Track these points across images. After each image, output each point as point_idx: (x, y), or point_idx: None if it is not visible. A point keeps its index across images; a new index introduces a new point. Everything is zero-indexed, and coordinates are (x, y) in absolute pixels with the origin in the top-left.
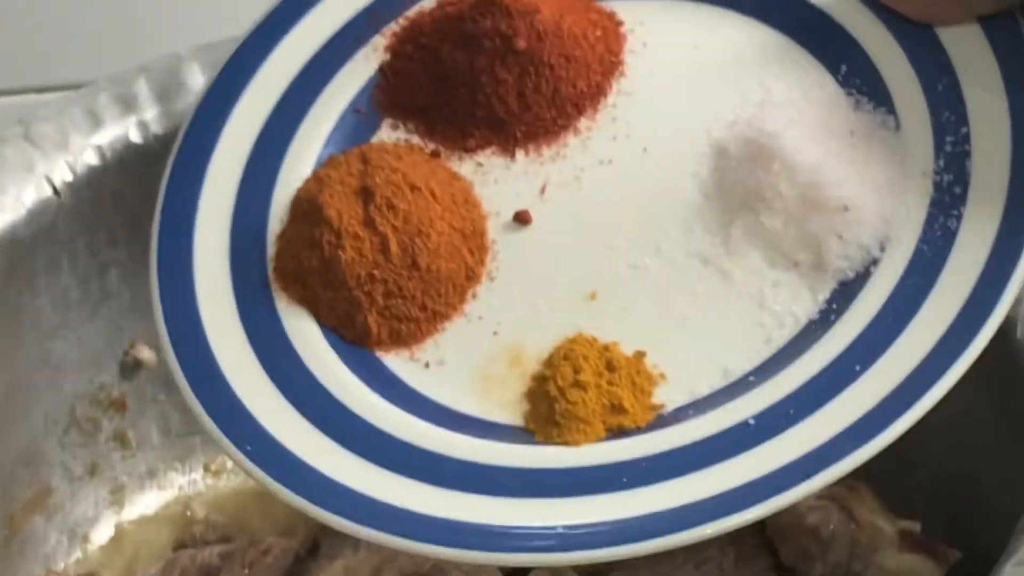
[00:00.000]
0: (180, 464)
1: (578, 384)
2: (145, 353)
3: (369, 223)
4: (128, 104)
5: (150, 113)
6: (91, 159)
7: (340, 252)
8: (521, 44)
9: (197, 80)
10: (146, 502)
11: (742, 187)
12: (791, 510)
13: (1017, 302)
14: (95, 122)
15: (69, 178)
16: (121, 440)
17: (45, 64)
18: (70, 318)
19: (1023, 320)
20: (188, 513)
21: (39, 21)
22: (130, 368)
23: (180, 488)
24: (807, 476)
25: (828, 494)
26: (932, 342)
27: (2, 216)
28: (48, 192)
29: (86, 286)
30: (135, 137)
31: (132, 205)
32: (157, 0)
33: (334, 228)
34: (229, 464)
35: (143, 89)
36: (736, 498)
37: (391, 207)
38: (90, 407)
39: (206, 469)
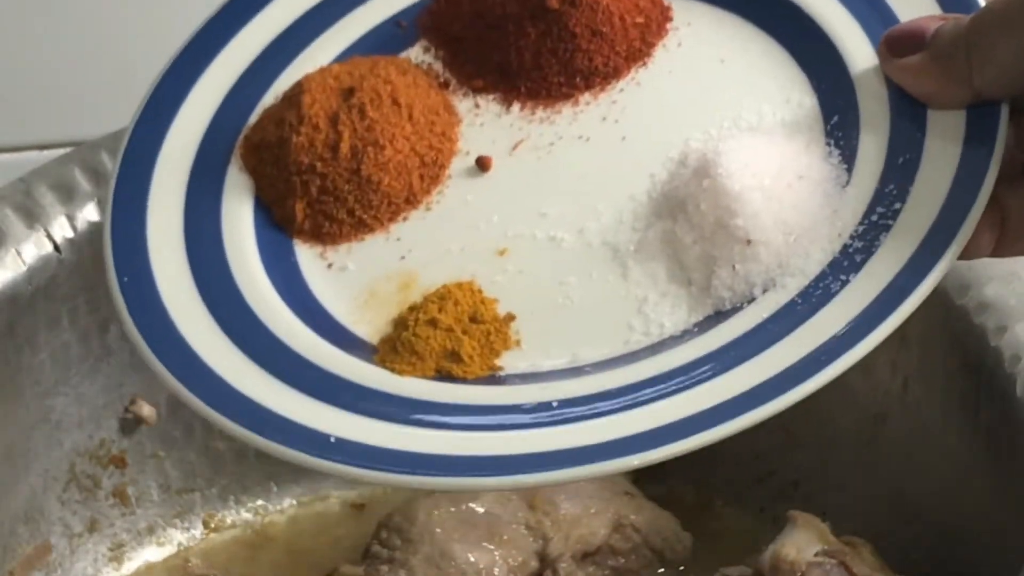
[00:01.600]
0: (179, 520)
1: (432, 322)
2: (145, 410)
3: (334, 119)
4: None
5: None
6: (92, 215)
7: (294, 135)
8: (552, 3)
9: None
10: (145, 559)
11: (675, 195)
12: (789, 566)
13: (1017, 360)
14: (96, 179)
15: (70, 234)
16: (121, 497)
17: (46, 122)
18: (70, 375)
19: (1023, 377)
20: (188, 566)
21: (40, 79)
22: (130, 425)
23: (179, 544)
24: (567, 465)
25: (828, 551)
26: (744, 388)
27: (3, 272)
28: (49, 248)
29: (86, 342)
30: None
31: None
32: (157, 58)
33: (301, 112)
34: (229, 520)
35: None
36: (502, 463)
37: (361, 111)
38: (90, 464)
39: (205, 525)
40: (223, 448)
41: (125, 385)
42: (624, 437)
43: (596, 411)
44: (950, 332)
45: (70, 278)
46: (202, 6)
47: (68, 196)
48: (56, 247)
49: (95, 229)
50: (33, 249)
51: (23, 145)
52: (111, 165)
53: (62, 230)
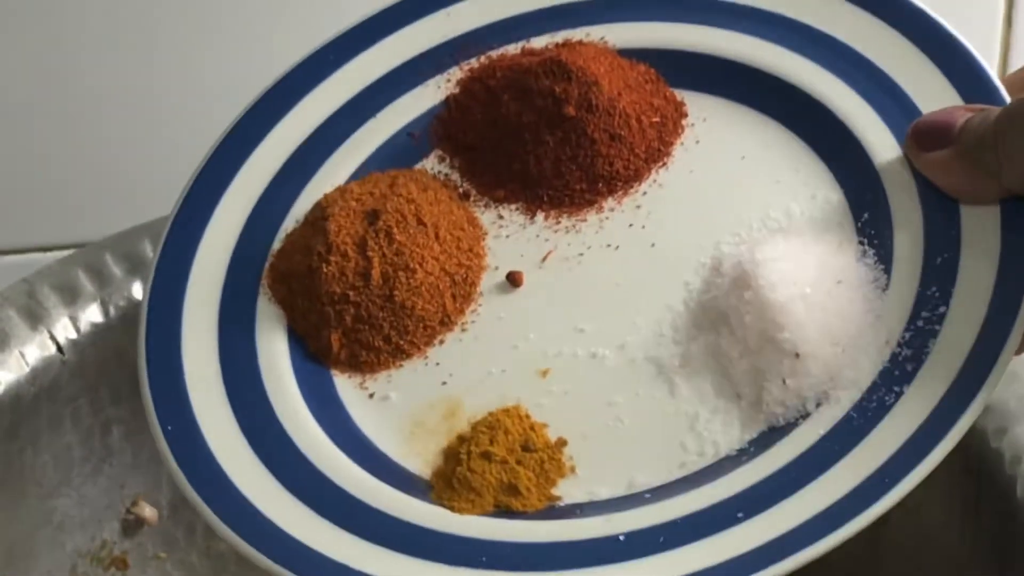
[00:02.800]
0: None
1: (486, 455)
2: (147, 511)
3: (362, 245)
4: (132, 262)
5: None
6: (95, 317)
7: (324, 265)
8: (570, 111)
9: None
10: None
11: (716, 306)
12: None
13: (1017, 461)
14: (99, 280)
15: (73, 335)
16: None
17: (49, 224)
18: (72, 476)
19: (1023, 479)
20: None
21: (43, 182)
22: (132, 526)
23: None
24: None
25: None
26: (816, 510)
27: (6, 374)
28: (52, 350)
29: (89, 444)
30: (139, 295)
31: (135, 363)
32: (159, 161)
33: (328, 241)
34: None
35: (147, 248)
36: None
37: (388, 235)
38: (91, 565)
39: None
40: (225, 550)
41: (127, 486)
42: (697, 572)
43: (664, 544)
44: None
45: (73, 379)
46: (197, 106)
47: (71, 297)
48: (59, 348)
49: (98, 330)
50: (36, 350)
51: (26, 247)
52: (114, 266)
53: (65, 331)
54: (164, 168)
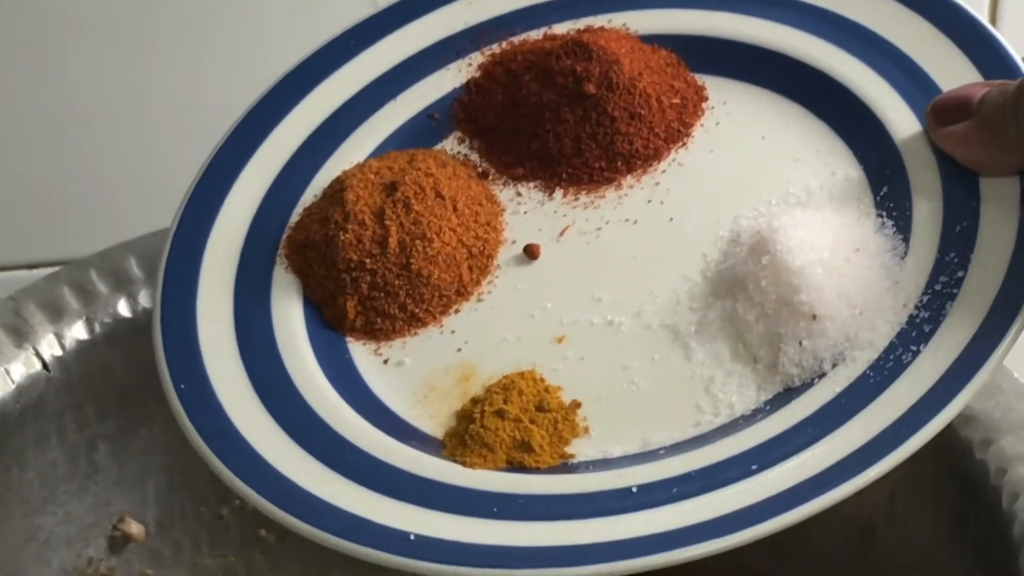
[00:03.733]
0: None
1: (500, 413)
2: (133, 527)
3: (380, 215)
4: (118, 279)
5: (140, 288)
6: (80, 334)
7: (341, 233)
8: (590, 89)
9: None
10: None
11: (733, 273)
12: None
13: (1003, 473)
14: (85, 297)
15: (59, 352)
16: None
17: (35, 241)
18: (58, 493)
19: (1009, 491)
20: None
21: (28, 199)
22: (118, 543)
23: None
24: (659, 550)
25: None
26: (827, 464)
27: None
28: (37, 367)
29: (74, 460)
30: (124, 311)
31: (121, 379)
32: (145, 178)
33: (345, 210)
34: None
35: (132, 265)
36: (589, 552)
37: (406, 205)
38: None
39: None
40: (212, 565)
41: (113, 503)
42: (710, 520)
43: (678, 495)
44: (935, 445)
45: (58, 396)
46: (184, 125)
47: (57, 315)
48: (45, 365)
49: (83, 347)
50: (22, 368)
51: (12, 264)
52: (100, 283)
53: (51, 348)
54: (149, 186)
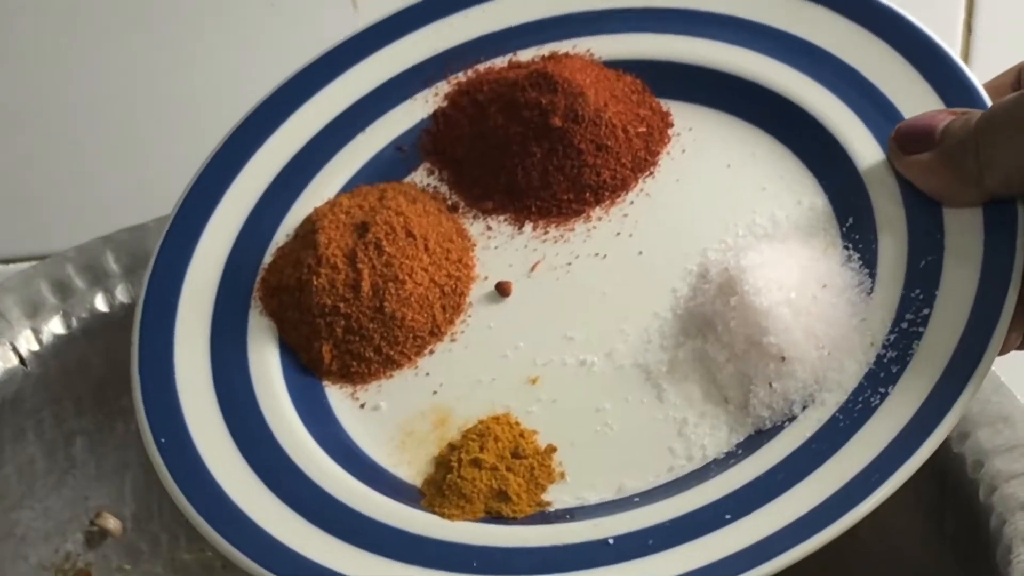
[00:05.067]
0: None
1: (476, 462)
2: (111, 523)
3: (352, 257)
4: (95, 274)
5: (117, 283)
6: (58, 328)
7: (314, 278)
8: (556, 122)
9: None
10: None
11: (702, 312)
12: None
13: (979, 465)
14: (62, 292)
15: (36, 348)
16: None
17: (11, 236)
18: (36, 488)
19: (986, 484)
20: None
21: (4, 194)
22: (96, 538)
23: None
24: None
25: None
26: (803, 511)
27: None
28: (14, 362)
29: (52, 456)
30: (102, 307)
31: (98, 374)
32: (122, 173)
33: (318, 253)
34: None
35: (109, 260)
36: None
37: (378, 247)
38: None
39: None
40: (189, 560)
41: (90, 498)
42: (686, 573)
43: (653, 546)
44: None
45: (36, 392)
46: (158, 119)
47: (34, 310)
48: (22, 360)
49: (61, 343)
50: None
51: None
52: (77, 278)
53: (28, 343)
54: (126, 180)
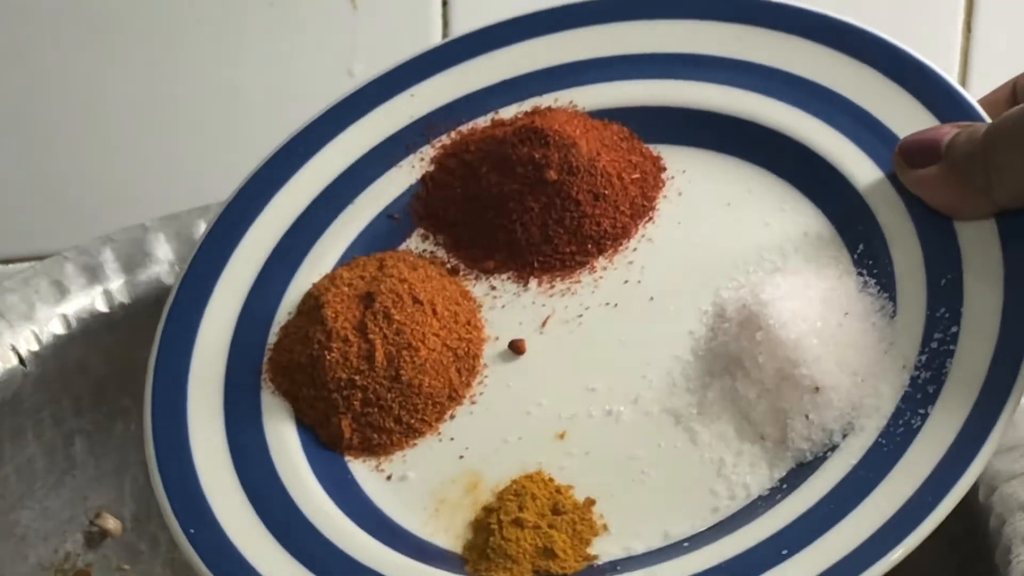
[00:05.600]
0: None
1: (518, 522)
2: (110, 523)
3: (362, 328)
4: (94, 274)
5: (116, 283)
6: (57, 329)
7: (326, 352)
8: (551, 175)
9: (162, 250)
10: None
11: (727, 351)
12: None
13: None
14: (61, 292)
15: (35, 348)
16: None
17: (10, 235)
18: (35, 488)
19: (984, 484)
20: None
21: (4, 193)
22: (95, 538)
23: None
24: None
25: None
26: (860, 540)
27: None
28: (14, 362)
29: (51, 456)
30: (101, 307)
31: (98, 374)
32: (121, 172)
33: (327, 328)
34: None
35: (109, 259)
36: None
37: (387, 316)
38: None
39: None
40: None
41: (90, 498)
42: None
43: None
44: None
45: (35, 392)
46: (156, 119)
47: (33, 310)
48: (21, 361)
49: (60, 342)
50: None
51: None
52: (75, 277)
53: (27, 343)
54: (124, 179)
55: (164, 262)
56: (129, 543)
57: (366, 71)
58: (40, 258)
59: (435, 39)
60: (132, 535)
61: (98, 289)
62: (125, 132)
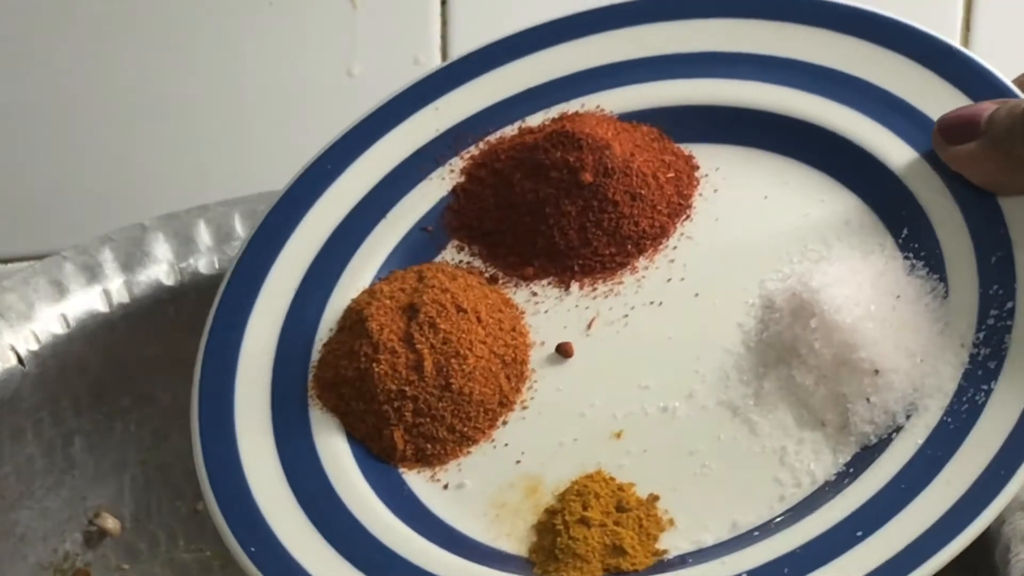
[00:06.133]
0: None
1: (583, 521)
2: (109, 522)
3: (408, 339)
4: (93, 274)
5: (115, 283)
6: (56, 328)
7: (374, 365)
8: (587, 178)
9: (161, 250)
10: None
11: (780, 340)
12: None
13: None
14: (60, 292)
15: (34, 347)
16: None
17: (10, 235)
18: (35, 488)
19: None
20: None
21: (3, 193)
22: (94, 538)
23: None
24: None
25: None
26: (936, 516)
27: None
28: (13, 362)
29: (51, 456)
30: (100, 306)
31: (97, 374)
32: (120, 172)
33: (373, 341)
34: None
35: (108, 259)
36: None
37: (432, 326)
38: None
39: None
40: (188, 560)
41: (89, 498)
42: None
43: (792, 573)
44: None
45: (34, 392)
46: (157, 117)
47: (32, 309)
48: (20, 360)
49: (59, 342)
50: None
51: None
52: (74, 277)
53: (26, 343)
54: (126, 178)
55: (163, 261)
56: (128, 543)
57: (365, 71)
58: (39, 258)
59: (434, 39)
60: (131, 535)
61: (97, 289)
62: (123, 132)
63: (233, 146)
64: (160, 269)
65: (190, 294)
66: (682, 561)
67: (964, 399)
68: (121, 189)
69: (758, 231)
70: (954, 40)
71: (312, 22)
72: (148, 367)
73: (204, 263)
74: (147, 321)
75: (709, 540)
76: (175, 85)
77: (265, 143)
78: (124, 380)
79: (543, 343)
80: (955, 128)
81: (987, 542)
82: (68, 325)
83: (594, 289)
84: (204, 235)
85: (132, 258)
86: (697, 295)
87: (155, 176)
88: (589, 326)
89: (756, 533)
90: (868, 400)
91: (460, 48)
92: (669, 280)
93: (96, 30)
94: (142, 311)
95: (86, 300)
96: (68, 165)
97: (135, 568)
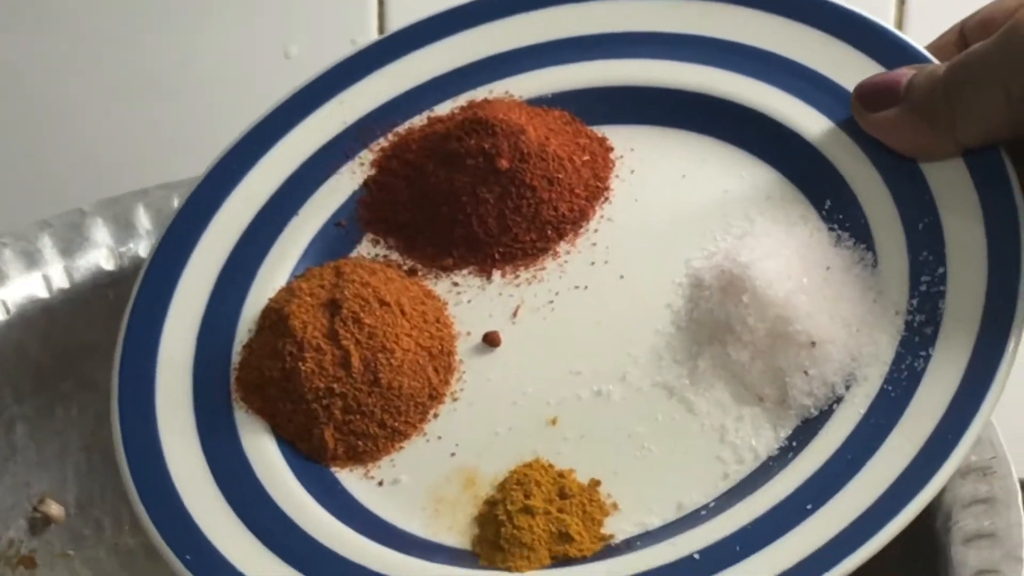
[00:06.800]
0: None
1: (527, 510)
2: (54, 509)
3: (333, 336)
4: (32, 259)
5: (54, 268)
6: None
7: (300, 364)
8: (503, 164)
9: (100, 234)
10: None
11: (712, 318)
12: None
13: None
14: (26, 263)
15: None
16: None
17: None
18: None
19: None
20: None
21: None
22: (39, 524)
23: None
24: None
25: None
26: (886, 484)
27: None
28: None
29: None
30: (39, 292)
31: (37, 360)
32: (57, 156)
33: (297, 339)
34: None
35: (47, 244)
36: None
37: (357, 321)
38: None
39: None
40: (134, 545)
41: (32, 484)
42: (788, 569)
43: (742, 552)
44: None
45: None
46: (114, 97)
47: None
48: None
49: None
50: None
51: None
52: (12, 263)
53: None
54: (63, 162)
55: (102, 246)
56: (73, 528)
57: (303, 52)
58: None
59: (371, 19)
60: (76, 520)
61: (37, 274)
62: (60, 116)
63: (172, 128)
64: (100, 254)
65: (130, 279)
66: (630, 545)
67: (903, 366)
68: (59, 174)
69: (679, 210)
70: (889, 14)
71: (249, 2)
72: (89, 352)
73: (144, 247)
74: (87, 306)
75: (655, 522)
76: (106, 69)
77: (203, 124)
78: (65, 365)
79: (469, 333)
80: (874, 94)
81: (929, 509)
82: (8, 311)
83: (516, 276)
84: (144, 219)
85: (71, 243)
86: (622, 277)
87: (93, 160)
88: (515, 314)
89: (703, 513)
90: (806, 373)
91: (397, 28)
92: (593, 264)
93: (27, 15)
94: (82, 296)
95: (25, 286)
96: (3, 150)
97: (80, 554)
